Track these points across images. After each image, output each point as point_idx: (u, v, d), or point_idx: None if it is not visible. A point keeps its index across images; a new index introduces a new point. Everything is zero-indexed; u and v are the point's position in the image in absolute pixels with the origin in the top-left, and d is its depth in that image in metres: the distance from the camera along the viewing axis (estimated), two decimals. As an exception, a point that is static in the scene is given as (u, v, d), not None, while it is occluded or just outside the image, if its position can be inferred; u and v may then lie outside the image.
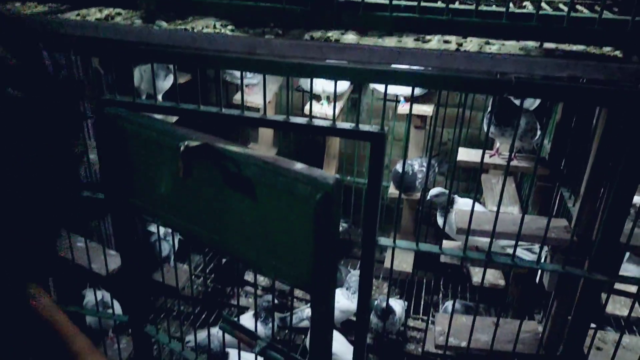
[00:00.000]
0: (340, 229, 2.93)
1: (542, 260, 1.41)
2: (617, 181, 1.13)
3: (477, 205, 2.18)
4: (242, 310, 2.69)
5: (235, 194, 1.25)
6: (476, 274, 2.60)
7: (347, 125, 1.30)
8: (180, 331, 2.62)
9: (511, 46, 1.20)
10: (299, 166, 1.14)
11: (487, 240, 1.31)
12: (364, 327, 1.53)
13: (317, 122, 1.32)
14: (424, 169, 2.50)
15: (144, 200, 1.49)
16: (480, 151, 1.96)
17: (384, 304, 2.33)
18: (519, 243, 1.87)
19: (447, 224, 1.89)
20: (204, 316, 2.72)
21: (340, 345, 2.24)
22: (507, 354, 1.49)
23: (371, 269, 1.44)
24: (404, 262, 2.88)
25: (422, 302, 2.89)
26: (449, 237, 2.03)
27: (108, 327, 2.34)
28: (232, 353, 2.13)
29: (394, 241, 1.40)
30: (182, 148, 1.24)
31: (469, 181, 3.10)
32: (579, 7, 1.29)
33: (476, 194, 1.38)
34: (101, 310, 2.03)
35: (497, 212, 1.29)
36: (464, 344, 1.54)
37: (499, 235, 1.39)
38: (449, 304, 2.58)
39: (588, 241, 1.31)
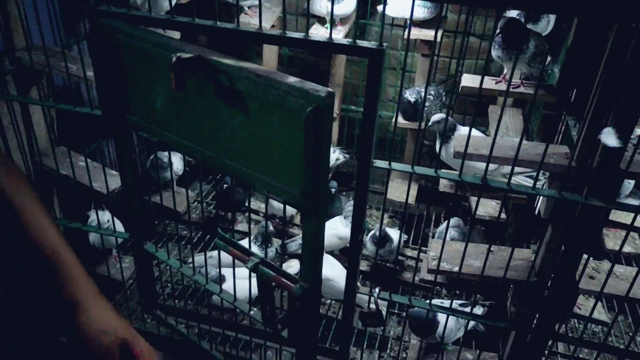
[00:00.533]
0: (342, 159, 2.92)
1: (541, 187, 1.40)
2: (621, 101, 1.08)
3: (479, 133, 2.14)
4: (244, 236, 2.74)
5: (228, 109, 1.22)
6: (475, 206, 2.60)
7: (345, 40, 1.25)
8: (179, 253, 2.68)
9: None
10: (291, 79, 1.11)
11: (489, 168, 1.28)
12: (356, 249, 1.55)
13: (314, 37, 1.27)
14: (432, 97, 2.43)
15: (140, 116, 1.47)
16: (486, 78, 1.91)
17: (382, 232, 2.36)
18: (521, 171, 1.85)
19: (446, 152, 1.86)
20: (206, 239, 2.78)
21: (338, 271, 2.29)
22: (499, 279, 1.51)
23: (366, 191, 1.44)
24: (403, 193, 2.88)
25: (422, 234, 2.91)
26: (450, 168, 2.01)
27: (111, 247, 2.40)
28: (228, 274, 2.19)
29: (390, 163, 1.38)
30: (174, 59, 1.20)
31: (477, 115, 3.04)
32: None
33: (472, 122, 1.34)
34: (103, 228, 2.07)
35: (495, 136, 1.26)
36: (456, 269, 1.56)
37: (496, 160, 1.36)
38: (443, 227, 2.60)
39: (587, 168, 1.28)
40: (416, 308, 1.79)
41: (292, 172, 1.14)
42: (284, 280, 1.31)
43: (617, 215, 2.03)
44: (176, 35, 2.45)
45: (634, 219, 1.21)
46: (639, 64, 1.10)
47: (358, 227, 1.51)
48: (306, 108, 1.04)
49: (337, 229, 2.45)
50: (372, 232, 2.46)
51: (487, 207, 2.59)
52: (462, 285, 2.38)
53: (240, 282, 1.67)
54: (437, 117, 2.05)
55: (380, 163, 1.38)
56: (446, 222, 2.31)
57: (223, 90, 1.21)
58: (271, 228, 2.42)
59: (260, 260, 1.36)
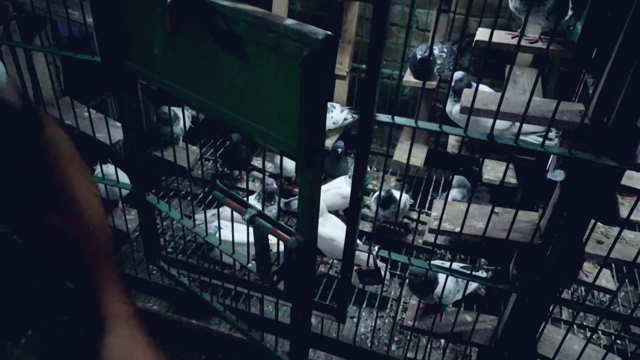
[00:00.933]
0: (351, 119, 2.86)
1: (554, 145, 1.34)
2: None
3: (490, 89, 2.06)
4: (249, 194, 2.73)
5: (226, 55, 1.17)
6: (487, 172, 2.54)
7: (349, -18, 1.18)
8: (179, 206, 2.69)
9: None
10: (289, 21, 1.05)
11: (500, 127, 1.23)
12: (356, 206, 1.52)
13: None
14: (444, 55, 2.34)
15: (140, 63, 1.43)
16: (502, 33, 1.82)
17: (386, 193, 2.32)
18: (533, 131, 1.78)
19: (454, 110, 1.79)
20: (211, 196, 2.78)
21: (341, 231, 2.27)
22: (501, 241, 1.47)
23: (368, 146, 1.39)
24: (414, 156, 2.82)
25: (429, 198, 2.87)
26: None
27: (116, 199, 2.40)
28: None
29: (393, 117, 1.33)
30: (169, 1, 1.15)
31: (492, 79, 2.94)
32: None
33: (480, 78, 1.28)
34: (107, 180, 2.07)
35: (504, 91, 1.19)
36: (457, 229, 1.52)
37: (505, 116, 1.30)
38: (451, 191, 2.56)
39: (602, 127, 1.22)
40: (416, 267, 1.77)
41: (288, 122, 1.10)
42: (280, 232, 1.29)
43: (633, 182, 1.96)
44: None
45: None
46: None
47: (358, 183, 1.48)
48: (302, 52, 0.99)
49: (341, 188, 2.42)
50: (377, 193, 2.43)
51: (498, 172, 2.53)
52: (466, 249, 2.35)
53: (239, 236, 1.66)
54: (459, 74, 1.98)
55: (383, 117, 1.33)
56: (451, 182, 2.25)
57: (220, 35, 1.16)
58: (275, 186, 2.40)
59: (257, 212, 1.34)
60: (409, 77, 2.50)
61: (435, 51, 2.35)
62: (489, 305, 2.15)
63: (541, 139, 1.70)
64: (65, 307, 2.40)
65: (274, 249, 1.67)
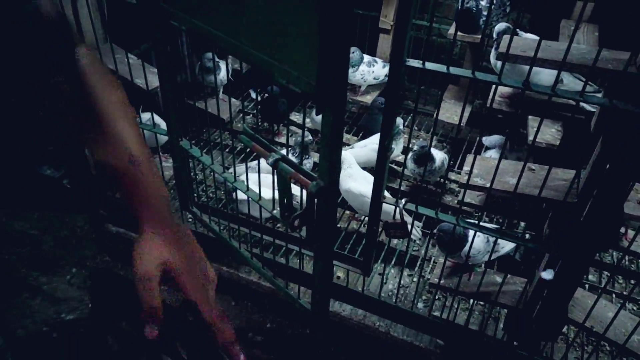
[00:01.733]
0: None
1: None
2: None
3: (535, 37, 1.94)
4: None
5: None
6: (533, 133, 2.42)
7: None
8: (220, 157, 2.73)
9: None
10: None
11: (545, 82, 1.15)
12: (383, 156, 1.49)
13: None
14: (493, 6, 2.21)
15: (172, 4, 1.43)
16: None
17: (421, 150, 2.26)
18: (579, 77, 1.66)
19: (492, 58, 1.70)
20: (247, 150, 2.80)
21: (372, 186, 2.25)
22: (534, 197, 1.40)
23: (397, 92, 1.35)
24: (456, 115, 2.73)
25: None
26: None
27: (153, 145, 2.45)
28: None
29: (423, 63, 1.27)
30: None
31: (548, 32, 2.76)
32: None
33: (517, 22, 1.18)
34: (144, 124, 2.11)
35: (541, 38, 1.11)
36: (489, 184, 1.46)
37: (544, 64, 1.22)
38: (490, 152, 2.47)
39: (650, 76, 1.12)
40: (445, 223, 1.73)
41: (309, 59, 1.07)
42: (302, 177, 1.28)
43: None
44: None
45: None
46: None
47: (387, 131, 1.45)
48: (321, -17, 0.95)
49: (377, 143, 2.38)
50: (414, 149, 2.37)
51: (546, 135, 2.41)
52: (500, 209, 2.27)
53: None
54: (501, 25, 1.87)
55: (414, 62, 1.28)
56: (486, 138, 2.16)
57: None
58: (309, 137, 2.38)
59: (280, 157, 1.34)
60: (453, 30, 2.39)
61: (483, 1, 2.22)
62: (523, 269, 2.08)
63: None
64: (105, 247, 2.53)
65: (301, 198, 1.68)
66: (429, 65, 1.27)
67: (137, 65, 2.31)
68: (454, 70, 1.24)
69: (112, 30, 2.36)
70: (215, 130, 2.93)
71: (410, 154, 2.33)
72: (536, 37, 1.90)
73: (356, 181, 2.17)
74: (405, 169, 2.45)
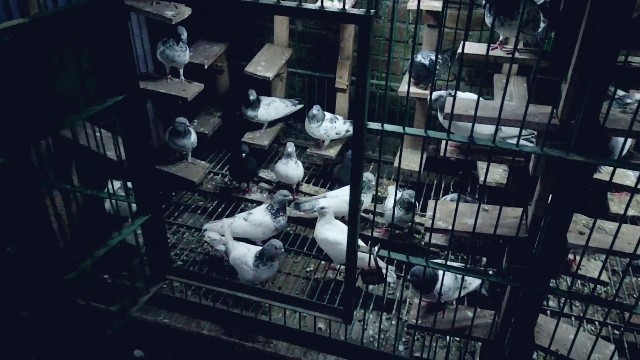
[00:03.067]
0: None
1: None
2: (599, 58, 1.13)
3: (473, 96, 2.19)
4: (257, 204, 2.85)
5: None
6: (483, 174, 2.65)
7: (335, 8, 1.32)
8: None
9: None
10: None
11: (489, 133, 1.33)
12: (355, 208, 1.63)
13: (307, 6, 1.33)
14: (440, 61, 2.46)
15: None
16: (484, 45, 1.94)
17: (408, 198, 2.42)
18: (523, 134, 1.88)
19: (440, 118, 1.92)
20: (220, 210, 2.90)
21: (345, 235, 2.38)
22: (490, 236, 1.57)
23: (361, 152, 1.52)
24: (414, 162, 2.94)
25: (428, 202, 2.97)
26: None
27: (126, 214, 2.48)
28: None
29: (382, 125, 1.45)
30: None
31: (483, 85, 3.06)
32: None
33: (457, 86, 1.40)
34: (117, 195, 2.16)
35: (479, 98, 1.31)
36: (450, 227, 1.63)
37: (483, 120, 1.42)
38: (448, 196, 2.67)
39: (570, 126, 1.33)
40: (417, 267, 1.87)
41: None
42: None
43: (621, 179, 2.06)
44: (187, 11, 2.54)
45: (638, 181, 1.26)
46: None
47: (356, 186, 1.60)
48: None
49: (347, 195, 2.54)
50: (398, 197, 2.55)
51: (494, 174, 2.64)
52: (464, 248, 2.44)
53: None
54: (436, 94, 2.13)
55: (374, 125, 1.45)
56: (452, 192, 2.37)
57: None
58: (289, 197, 2.51)
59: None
60: (404, 88, 2.63)
61: (432, 58, 2.47)
62: (491, 303, 2.23)
63: (526, 141, 1.82)
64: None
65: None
66: (388, 127, 1.44)
67: (107, 138, 2.39)
68: (409, 130, 1.42)
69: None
70: (185, 192, 3.03)
71: (397, 203, 2.48)
72: (474, 96, 2.15)
73: (331, 231, 2.31)
74: (387, 217, 2.61)
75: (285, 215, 2.51)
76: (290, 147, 2.84)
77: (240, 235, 2.43)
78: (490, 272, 2.08)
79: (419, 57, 2.55)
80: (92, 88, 1.68)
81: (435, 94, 2.11)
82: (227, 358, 2.25)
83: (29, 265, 2.33)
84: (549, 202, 1.46)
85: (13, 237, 2.68)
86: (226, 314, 2.18)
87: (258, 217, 2.46)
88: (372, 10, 1.27)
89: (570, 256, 1.97)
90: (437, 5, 2.55)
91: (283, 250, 2.18)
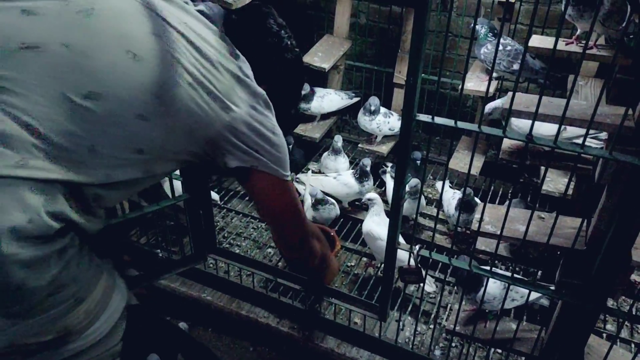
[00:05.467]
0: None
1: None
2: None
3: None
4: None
5: None
6: (547, 183, 2.48)
7: (391, -13, 1.25)
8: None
9: None
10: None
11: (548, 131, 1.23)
12: (397, 204, 1.56)
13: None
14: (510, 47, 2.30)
15: None
16: (560, 40, 1.80)
17: (467, 196, 2.33)
18: (591, 134, 1.74)
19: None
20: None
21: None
22: (542, 245, 1.45)
23: (408, 145, 1.45)
24: (472, 165, 2.80)
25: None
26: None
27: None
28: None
29: (433, 117, 1.37)
30: None
31: (556, 87, 2.87)
32: None
33: (517, 82, 1.29)
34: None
35: (541, 95, 1.21)
36: (499, 232, 1.52)
37: (545, 118, 1.30)
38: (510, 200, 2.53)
39: (646, 129, 1.20)
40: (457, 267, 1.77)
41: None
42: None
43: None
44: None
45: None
46: None
47: (400, 181, 1.53)
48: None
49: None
50: (453, 197, 2.45)
51: (558, 184, 2.47)
52: (518, 257, 2.30)
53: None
54: (490, 107, 2.02)
55: (423, 117, 1.38)
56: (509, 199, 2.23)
57: None
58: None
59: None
60: (466, 85, 2.51)
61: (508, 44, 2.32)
62: (540, 318, 2.09)
63: (592, 140, 1.67)
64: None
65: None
66: (438, 120, 1.36)
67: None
68: (461, 124, 1.33)
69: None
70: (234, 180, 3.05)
71: (454, 202, 2.39)
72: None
73: (378, 225, 2.25)
74: (448, 217, 2.52)
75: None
76: (339, 141, 2.79)
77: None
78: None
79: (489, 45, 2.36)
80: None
81: (488, 107, 1.99)
82: (264, 339, 2.25)
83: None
84: (614, 213, 1.33)
85: None
86: (264, 297, 2.18)
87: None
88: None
89: (637, 277, 1.80)
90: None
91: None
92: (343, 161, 2.81)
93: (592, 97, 2.19)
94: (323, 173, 2.85)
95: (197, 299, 2.29)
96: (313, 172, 2.97)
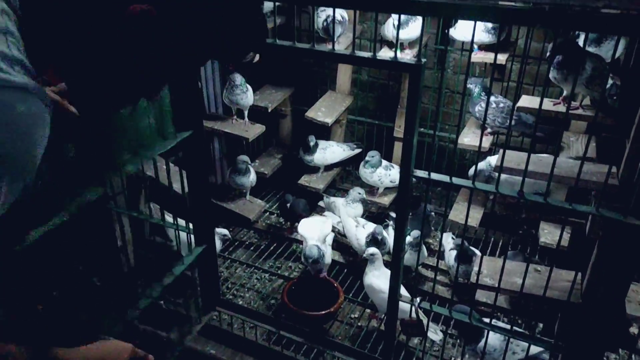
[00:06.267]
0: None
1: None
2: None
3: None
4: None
5: None
6: (544, 235, 2.53)
7: (387, 56, 1.36)
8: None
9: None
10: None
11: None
12: (398, 257, 1.61)
13: (359, 54, 1.39)
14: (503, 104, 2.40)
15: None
16: (545, 100, 1.90)
17: (465, 247, 2.36)
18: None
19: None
20: (272, 248, 2.95)
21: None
22: (539, 297, 1.49)
23: (407, 199, 1.51)
24: (470, 217, 2.85)
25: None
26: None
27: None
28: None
29: (429, 173, 1.44)
30: None
31: (548, 143, 2.96)
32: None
33: (507, 141, 1.37)
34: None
35: (530, 151, 1.28)
36: (497, 284, 1.56)
37: (534, 175, 1.37)
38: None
39: (631, 187, 1.26)
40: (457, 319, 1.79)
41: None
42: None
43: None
44: (255, 56, 2.69)
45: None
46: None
47: (400, 234, 1.58)
48: None
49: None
50: (450, 249, 2.49)
51: (555, 235, 2.51)
52: (516, 310, 2.31)
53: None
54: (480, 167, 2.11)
55: (420, 172, 1.45)
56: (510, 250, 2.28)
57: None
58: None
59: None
60: (462, 140, 2.61)
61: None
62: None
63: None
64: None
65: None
66: (435, 176, 1.44)
67: (175, 172, 2.54)
68: (456, 180, 1.40)
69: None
70: (241, 229, 3.11)
71: (452, 252, 2.43)
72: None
73: (379, 278, 2.28)
74: (449, 268, 2.55)
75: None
76: (363, 193, 2.91)
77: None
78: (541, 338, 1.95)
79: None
80: (169, 125, 1.83)
81: (472, 171, 2.07)
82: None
83: (103, 292, 2.48)
84: (605, 267, 1.37)
85: (96, 269, 2.87)
86: (267, 350, 2.18)
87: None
88: (424, 60, 1.30)
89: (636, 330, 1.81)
90: (501, 59, 2.53)
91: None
92: (360, 208, 2.89)
93: (583, 152, 2.28)
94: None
95: (201, 353, 2.29)
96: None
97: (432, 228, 3.14)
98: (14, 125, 0.66)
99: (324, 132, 3.20)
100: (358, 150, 3.17)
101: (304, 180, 3.10)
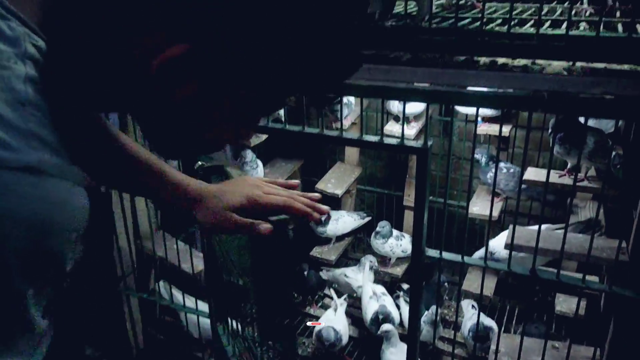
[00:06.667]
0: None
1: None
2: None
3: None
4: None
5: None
6: (560, 304, 2.49)
7: (394, 140, 1.42)
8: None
9: (556, 66, 1.23)
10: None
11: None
12: (414, 336, 1.60)
13: (367, 138, 1.45)
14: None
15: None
16: (550, 171, 1.94)
17: (480, 324, 2.31)
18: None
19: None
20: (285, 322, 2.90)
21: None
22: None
23: (420, 278, 1.52)
24: (484, 286, 2.82)
25: (502, 329, 2.79)
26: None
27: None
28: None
29: (441, 253, 1.46)
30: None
31: (557, 210, 2.97)
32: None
33: (515, 219, 1.39)
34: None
35: (539, 227, 1.31)
36: (516, 362, 1.53)
37: (546, 253, 1.39)
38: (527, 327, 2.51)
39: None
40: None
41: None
42: None
43: None
44: (264, 136, 2.79)
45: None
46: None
47: (415, 313, 1.58)
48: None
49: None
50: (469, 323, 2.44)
51: (571, 304, 2.47)
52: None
53: None
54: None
55: (432, 252, 1.47)
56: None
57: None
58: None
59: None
60: (472, 209, 2.63)
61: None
62: None
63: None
64: None
65: None
66: (446, 255, 1.46)
67: (185, 250, 2.55)
68: (468, 260, 1.42)
69: (163, 219, 2.67)
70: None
71: (469, 324, 2.39)
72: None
73: (396, 355, 2.24)
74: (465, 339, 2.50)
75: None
76: (375, 262, 2.91)
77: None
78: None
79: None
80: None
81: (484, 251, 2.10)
82: None
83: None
84: (620, 343, 1.35)
85: (92, 340, 2.84)
86: None
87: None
88: (430, 143, 1.35)
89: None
90: (505, 131, 2.61)
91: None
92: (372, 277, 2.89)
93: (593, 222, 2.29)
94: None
95: None
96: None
97: (447, 297, 3.10)
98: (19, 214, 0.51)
99: (335, 202, 3.24)
100: (368, 219, 3.20)
101: (316, 251, 3.10)
